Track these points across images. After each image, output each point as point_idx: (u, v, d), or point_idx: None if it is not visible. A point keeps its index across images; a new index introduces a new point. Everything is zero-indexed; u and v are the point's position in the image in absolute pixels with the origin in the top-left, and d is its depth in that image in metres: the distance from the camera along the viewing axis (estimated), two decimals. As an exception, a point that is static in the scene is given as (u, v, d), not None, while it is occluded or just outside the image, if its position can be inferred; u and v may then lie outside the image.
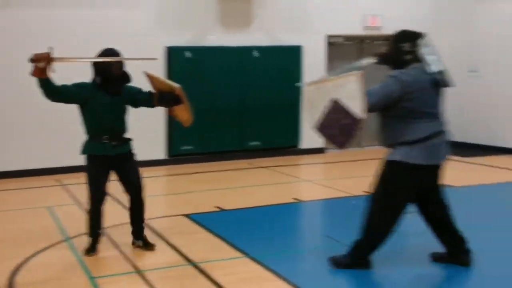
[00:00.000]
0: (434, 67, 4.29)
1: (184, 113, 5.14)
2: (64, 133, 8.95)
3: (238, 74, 10.31)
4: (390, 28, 11.21)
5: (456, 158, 9.93)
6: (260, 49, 10.40)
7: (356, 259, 4.47)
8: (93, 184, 4.99)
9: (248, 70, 10.39)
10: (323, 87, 4.40)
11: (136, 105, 5.12)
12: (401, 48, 4.37)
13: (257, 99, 10.31)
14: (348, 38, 11.22)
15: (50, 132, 9.09)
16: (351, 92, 4.19)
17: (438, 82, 4.30)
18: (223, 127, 10.27)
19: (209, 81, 10.11)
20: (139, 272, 4.58)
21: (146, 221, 5.82)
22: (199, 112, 10.02)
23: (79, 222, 6.04)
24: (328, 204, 7.05)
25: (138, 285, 4.35)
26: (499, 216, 6.23)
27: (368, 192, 6.70)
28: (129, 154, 5.10)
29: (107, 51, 5.01)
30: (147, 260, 4.88)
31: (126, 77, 5.04)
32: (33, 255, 5.02)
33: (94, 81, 4.97)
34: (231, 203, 6.89)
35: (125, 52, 9.46)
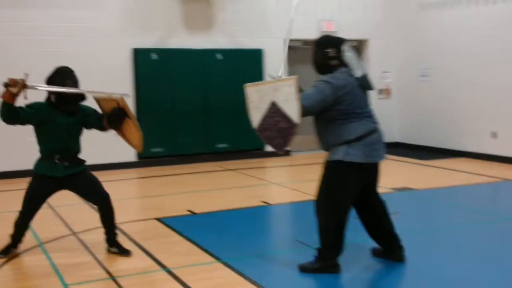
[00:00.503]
0: (358, 72, 4.48)
1: (133, 134, 5.04)
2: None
3: (203, 76, 10.45)
4: (344, 33, 11.63)
5: (414, 161, 10.26)
6: (223, 51, 10.55)
7: (323, 263, 4.63)
8: (30, 201, 5.05)
9: (212, 72, 10.52)
10: (262, 90, 4.54)
11: (88, 126, 5.13)
12: (327, 53, 4.52)
13: (222, 101, 10.47)
14: (306, 42, 11.44)
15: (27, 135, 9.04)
16: (287, 96, 4.35)
17: (363, 85, 4.50)
18: (191, 129, 10.38)
19: (175, 83, 10.22)
20: (112, 278, 4.65)
21: (118, 225, 5.89)
22: (165, 114, 10.21)
23: (52, 226, 6.09)
24: (296, 207, 7.21)
25: (113, 291, 4.43)
26: (442, 218, 6.47)
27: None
28: (82, 172, 5.09)
29: (61, 68, 5.00)
30: (120, 265, 4.95)
31: (81, 96, 5.01)
32: (6, 261, 5.05)
33: (48, 100, 4.97)
34: (201, 206, 7.01)
35: (93, 53, 9.71)
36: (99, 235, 5.48)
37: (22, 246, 5.40)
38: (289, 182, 9.03)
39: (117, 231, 5.32)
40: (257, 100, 4.56)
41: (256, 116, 4.58)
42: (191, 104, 10.36)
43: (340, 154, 4.43)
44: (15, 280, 4.66)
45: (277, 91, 4.43)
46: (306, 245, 5.31)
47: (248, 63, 10.69)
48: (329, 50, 4.52)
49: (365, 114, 4.51)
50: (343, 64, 4.52)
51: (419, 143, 11.64)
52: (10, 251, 5.20)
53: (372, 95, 12.39)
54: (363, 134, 4.43)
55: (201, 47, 10.39)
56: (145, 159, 10.07)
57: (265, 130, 4.57)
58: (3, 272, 4.81)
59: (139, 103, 9.95)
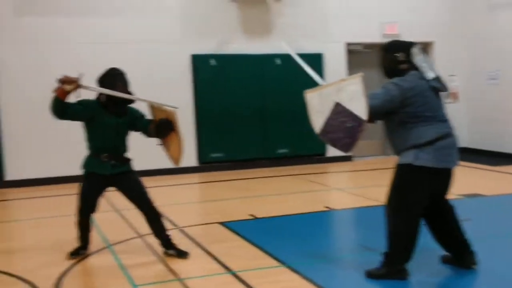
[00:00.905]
0: (430, 74, 4.40)
1: (175, 148, 5.11)
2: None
3: (261, 81, 10.47)
4: (408, 35, 11.43)
5: (484, 167, 9.95)
6: (282, 56, 10.54)
7: (390, 268, 4.54)
8: (83, 199, 5.20)
9: (271, 77, 10.53)
10: (323, 93, 4.52)
11: (135, 129, 5.22)
12: (396, 58, 4.48)
13: (282, 106, 10.45)
14: (367, 46, 11.31)
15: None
16: (353, 94, 4.31)
17: (436, 88, 4.41)
18: (250, 135, 10.42)
19: (234, 88, 10.28)
20: (179, 280, 4.71)
21: (183, 229, 5.98)
22: (224, 119, 10.29)
23: (120, 229, 6.23)
24: (359, 212, 7.12)
25: (181, 293, 4.48)
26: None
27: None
28: (128, 173, 5.20)
29: (112, 70, 5.13)
30: (186, 268, 5.00)
31: (129, 99, 5.11)
32: (77, 262, 5.19)
33: (98, 100, 5.09)
34: (264, 211, 7.01)
35: (153, 60, 9.89)
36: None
37: (91, 248, 5.54)
38: (351, 187, 8.93)
39: (176, 234, 5.39)
40: (319, 104, 4.54)
41: (318, 120, 4.56)
42: (250, 109, 10.41)
43: (410, 157, 4.34)
44: (85, 281, 4.80)
45: (340, 91, 4.41)
46: (371, 250, 5.23)
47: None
48: (398, 55, 4.48)
49: (438, 117, 4.40)
50: (413, 67, 4.45)
51: (488, 148, 11.27)
52: (80, 252, 5.35)
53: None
54: (435, 138, 4.32)
55: (260, 53, 10.43)
56: (205, 164, 10.18)
57: (329, 133, 4.54)
58: (73, 273, 4.94)
59: (198, 109, 10.08)
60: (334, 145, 4.60)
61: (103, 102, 5.05)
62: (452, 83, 11.65)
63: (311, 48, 10.69)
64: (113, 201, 7.76)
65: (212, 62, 10.17)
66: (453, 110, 11.50)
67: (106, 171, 5.09)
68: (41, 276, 4.82)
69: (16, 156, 9.09)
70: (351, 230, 6.61)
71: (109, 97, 5.01)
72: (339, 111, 4.41)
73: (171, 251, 5.26)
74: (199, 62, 10.09)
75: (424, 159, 4.30)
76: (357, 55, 11.30)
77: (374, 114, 4.39)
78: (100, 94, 5.08)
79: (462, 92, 11.67)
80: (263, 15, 10.46)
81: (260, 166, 10.42)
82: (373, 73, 11.55)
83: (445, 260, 4.86)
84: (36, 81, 9.14)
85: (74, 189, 8.63)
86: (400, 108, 4.35)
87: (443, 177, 4.46)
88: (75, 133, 9.18)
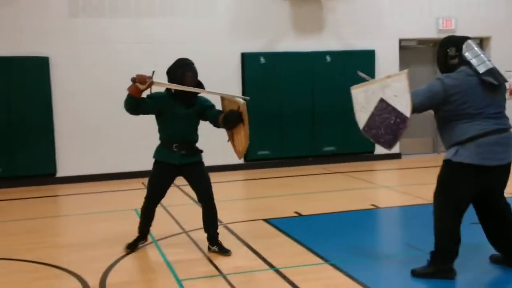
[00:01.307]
0: (481, 68, 4.32)
1: (240, 140, 5.15)
2: (149, 138, 9.35)
3: (311, 79, 10.38)
4: (464, 31, 11.12)
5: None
6: (332, 53, 10.43)
7: (437, 267, 4.44)
8: (152, 187, 5.34)
9: (321, 75, 10.43)
10: (369, 89, 4.53)
11: (204, 118, 5.28)
12: (447, 53, 4.47)
13: (330, 104, 10.34)
14: (421, 41, 11.08)
15: (136, 138, 9.50)
16: (398, 91, 4.34)
17: (488, 82, 4.29)
18: (297, 132, 10.36)
19: (283, 86, 10.24)
20: (223, 275, 4.73)
21: (227, 225, 6.01)
22: (272, 117, 10.27)
23: (165, 224, 6.31)
24: (406, 211, 6.99)
25: (223, 288, 4.50)
26: None
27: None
28: (197, 164, 5.27)
29: (181, 61, 5.23)
30: (230, 263, 5.02)
31: (199, 87, 5.19)
32: (122, 257, 5.28)
33: (169, 91, 5.17)
34: (309, 208, 6.97)
35: (203, 58, 9.91)
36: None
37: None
38: (399, 185, 8.77)
39: (221, 231, 5.42)
40: (364, 100, 4.56)
41: (362, 116, 4.58)
42: (298, 107, 10.35)
43: (450, 153, 4.34)
44: (131, 275, 4.86)
45: (386, 87, 4.43)
46: (418, 249, 5.13)
47: (358, 65, 10.44)
48: (449, 50, 4.46)
49: (484, 114, 4.30)
50: (464, 62, 4.39)
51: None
52: (138, 244, 5.46)
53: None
54: (477, 135, 4.25)
55: (310, 50, 10.35)
56: (252, 162, 10.19)
57: (372, 129, 4.54)
58: (119, 267, 5.03)
59: (247, 107, 10.06)
60: (377, 141, 4.59)
61: (173, 93, 5.14)
62: (509, 79, 11.29)
63: (363, 44, 10.54)
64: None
65: (262, 60, 10.17)
66: (509, 108, 11.21)
67: (176, 161, 5.18)
68: (88, 270, 4.93)
69: (67, 153, 9.32)
70: (397, 229, 6.49)
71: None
72: (383, 108, 4.42)
73: (214, 247, 5.29)
74: (249, 60, 10.11)
75: (463, 155, 4.26)
76: (410, 51, 11.08)
77: (417, 110, 4.39)
78: (179, 79, 5.14)
79: (519, 89, 11.29)
80: (316, 12, 10.38)
81: (307, 164, 10.36)
82: (427, 69, 11.34)
83: (494, 260, 4.73)
84: (86, 80, 9.35)
85: (122, 185, 8.89)
86: (442, 105, 4.33)
87: (491, 174, 4.32)
88: (125, 131, 9.48)
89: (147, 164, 9.41)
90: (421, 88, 4.41)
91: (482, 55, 4.40)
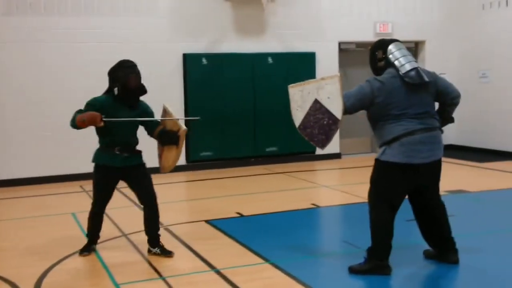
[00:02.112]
0: (403, 68, 4.47)
1: (169, 158, 5.14)
2: (86, 141, 9.18)
3: (253, 80, 10.43)
4: (400, 34, 11.42)
5: (471, 163, 9.98)
6: (274, 55, 10.51)
7: (373, 264, 4.54)
8: (97, 191, 5.25)
9: (263, 76, 10.49)
10: (305, 89, 4.67)
11: (141, 123, 5.21)
12: (376, 56, 4.66)
13: (272, 105, 10.41)
14: (359, 44, 11.32)
15: (73, 140, 9.30)
16: (331, 93, 4.50)
17: (409, 82, 4.42)
18: (239, 133, 10.39)
19: (225, 88, 10.24)
20: (162, 278, 4.68)
21: (168, 227, 5.96)
22: (215, 118, 10.26)
23: (103, 227, 6.17)
24: (346, 209, 7.12)
25: (163, 291, 4.45)
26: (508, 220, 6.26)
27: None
28: (139, 166, 5.21)
29: (124, 63, 5.14)
30: (170, 266, 4.97)
31: (142, 90, 5.12)
32: (59, 261, 5.14)
33: (111, 92, 5.08)
34: (250, 209, 6.99)
35: (145, 58, 9.83)
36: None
37: (73, 247, 5.51)
38: (339, 185, 8.92)
39: (162, 233, 5.37)
40: (300, 99, 4.69)
41: (298, 115, 4.71)
42: (240, 108, 10.37)
43: (379, 153, 4.53)
44: (68, 280, 4.73)
45: (320, 89, 4.57)
46: (356, 247, 5.22)
47: (300, 67, 10.62)
48: (377, 53, 4.66)
49: (409, 114, 4.44)
50: (390, 64, 4.54)
51: (474, 145, 11.30)
52: (91, 248, 5.35)
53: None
54: (400, 135, 4.40)
55: (252, 51, 10.40)
56: (194, 163, 10.14)
57: (307, 128, 4.68)
58: (55, 273, 4.90)
59: (188, 108, 10.03)
60: (311, 140, 4.72)
61: (116, 95, 5.02)
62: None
63: (304, 47, 10.68)
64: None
65: (204, 61, 10.13)
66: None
67: (118, 163, 5.10)
68: (23, 275, 4.78)
69: (5, 155, 9.03)
70: (336, 227, 6.60)
71: (123, 89, 4.99)
72: (317, 108, 4.56)
73: (155, 250, 5.23)
74: (191, 61, 10.05)
75: (389, 154, 4.43)
76: (349, 54, 11.29)
77: (348, 112, 4.55)
78: (113, 87, 5.05)
79: (452, 90, 11.67)
80: (257, 14, 10.42)
81: (249, 165, 10.40)
82: (366, 71, 11.55)
83: (427, 255, 4.87)
84: (28, 80, 9.09)
85: (59, 188, 8.67)
86: (371, 106, 4.50)
87: (418, 172, 4.47)
88: (62, 133, 9.25)
89: (85, 167, 9.30)
90: (352, 90, 4.56)
91: (406, 56, 4.53)
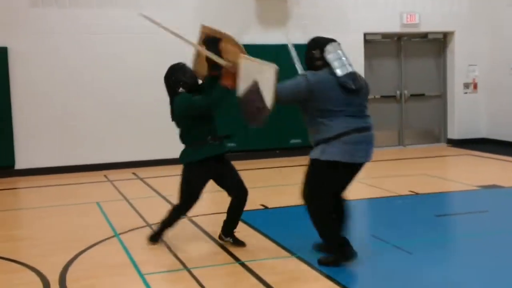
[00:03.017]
0: (339, 71, 4.42)
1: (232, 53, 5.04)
2: (109, 131, 9.22)
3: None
4: (427, 25, 11.18)
5: (504, 157, 9.76)
6: (297, 47, 10.34)
7: (336, 253, 4.54)
8: (195, 190, 5.06)
9: (286, 68, 10.33)
10: (251, 66, 4.62)
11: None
12: (313, 55, 4.60)
13: (297, 96, 10.28)
14: (385, 35, 11.13)
15: (97, 130, 9.33)
16: (266, 81, 4.44)
17: (344, 85, 4.38)
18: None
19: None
20: (187, 269, 4.63)
21: (192, 218, 5.92)
22: (239, 110, 10.15)
23: (127, 217, 6.18)
24: (372, 203, 7.00)
25: (186, 282, 4.38)
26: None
27: (413, 192, 6.66)
28: (226, 153, 5.23)
29: (176, 65, 5.43)
30: (195, 257, 4.92)
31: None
32: (83, 251, 5.13)
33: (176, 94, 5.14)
34: (275, 201, 6.92)
35: (168, 51, 9.78)
36: (174, 226, 5.49)
37: (98, 236, 5.50)
38: (366, 178, 8.75)
39: (186, 224, 5.40)
40: (246, 73, 4.63)
41: (242, 86, 4.63)
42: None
43: (317, 153, 4.43)
44: (92, 269, 4.72)
45: (260, 73, 4.51)
46: (383, 241, 5.13)
47: (323, 58, 10.45)
48: (314, 52, 4.59)
49: (346, 112, 4.39)
50: (327, 64, 4.49)
51: (508, 139, 11.01)
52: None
53: (459, 89, 11.57)
54: (341, 133, 4.34)
55: (276, 43, 10.29)
56: (219, 154, 10.09)
57: (243, 102, 4.63)
58: (80, 261, 4.89)
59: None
60: (243, 114, 4.67)
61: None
62: (472, 73, 11.45)
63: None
64: (121, 190, 7.75)
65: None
66: (472, 101, 11.38)
67: (221, 151, 5.07)
68: (48, 264, 4.77)
69: (26, 145, 9.08)
70: (362, 221, 6.46)
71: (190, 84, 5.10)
72: (255, 90, 4.51)
73: (228, 239, 5.18)
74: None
75: (330, 153, 4.35)
76: (375, 45, 11.12)
77: (280, 102, 4.48)
78: (176, 87, 5.14)
79: (482, 83, 11.43)
80: (280, 5, 10.30)
81: (273, 157, 10.31)
82: (392, 62, 11.40)
83: (315, 247, 4.86)
84: (46, 71, 9.13)
85: (83, 178, 8.70)
86: (306, 101, 4.42)
87: (352, 171, 4.50)
88: (85, 122, 9.28)
89: (109, 156, 9.39)
90: (288, 82, 4.49)
91: (342, 59, 4.50)
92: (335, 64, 4.47)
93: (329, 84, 4.40)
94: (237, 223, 5.23)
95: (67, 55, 9.22)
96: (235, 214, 5.16)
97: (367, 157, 4.45)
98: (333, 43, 4.60)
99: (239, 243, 5.15)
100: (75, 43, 9.24)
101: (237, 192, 5.13)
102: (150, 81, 9.51)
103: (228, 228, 5.21)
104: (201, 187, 5.07)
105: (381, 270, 4.51)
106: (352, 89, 4.38)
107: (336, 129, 4.34)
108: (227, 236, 5.19)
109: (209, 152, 4.98)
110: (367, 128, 4.45)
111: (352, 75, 4.44)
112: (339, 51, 4.56)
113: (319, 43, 4.62)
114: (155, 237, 5.25)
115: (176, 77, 5.17)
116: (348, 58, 4.57)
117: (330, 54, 4.52)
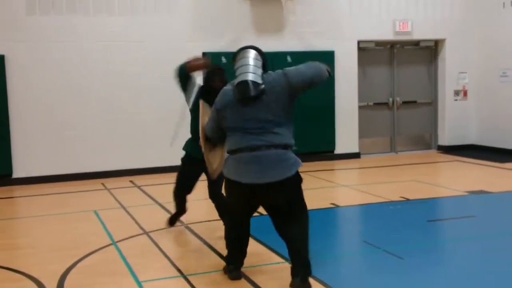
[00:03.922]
0: (235, 80, 4.22)
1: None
2: (108, 139, 9.29)
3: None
4: (419, 33, 11.31)
5: (492, 163, 9.90)
6: (293, 54, 10.51)
7: (226, 266, 4.63)
8: (181, 177, 5.59)
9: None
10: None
11: None
12: (234, 67, 4.33)
13: (292, 104, 10.39)
14: (379, 43, 11.28)
15: (94, 138, 9.40)
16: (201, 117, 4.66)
17: (237, 97, 4.15)
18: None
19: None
20: (184, 276, 4.72)
21: (189, 225, 6.01)
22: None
23: (125, 225, 6.26)
24: (365, 209, 7.11)
25: (184, 289, 4.49)
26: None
27: (404, 198, 6.75)
28: None
29: (215, 68, 5.67)
30: (192, 264, 5.02)
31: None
32: (81, 259, 5.20)
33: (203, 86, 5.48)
34: (269, 208, 6.99)
35: (165, 57, 9.89)
36: (170, 233, 5.60)
37: (95, 244, 5.58)
38: (358, 184, 8.91)
39: (182, 231, 5.61)
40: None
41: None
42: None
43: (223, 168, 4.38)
44: (90, 277, 4.80)
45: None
46: (375, 246, 5.22)
47: (319, 66, 10.56)
48: (234, 64, 4.33)
49: (243, 129, 4.14)
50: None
51: (496, 145, 11.18)
52: (174, 221, 5.96)
53: (449, 96, 11.70)
54: (231, 150, 4.21)
55: (271, 50, 10.39)
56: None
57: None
58: (78, 270, 4.97)
59: (208, 106, 10.06)
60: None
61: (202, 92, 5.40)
62: (462, 81, 11.60)
63: (322, 45, 10.65)
64: (119, 198, 7.83)
65: (223, 59, 10.16)
66: (462, 107, 11.54)
67: (201, 156, 5.16)
68: (46, 272, 4.85)
69: (23, 153, 9.14)
70: (356, 227, 6.58)
71: (207, 88, 5.38)
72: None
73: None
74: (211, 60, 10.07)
75: (225, 169, 4.26)
76: (368, 53, 11.27)
77: (214, 140, 4.49)
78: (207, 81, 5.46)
79: (472, 90, 11.59)
80: (276, 12, 10.43)
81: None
82: (385, 70, 11.54)
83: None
84: (43, 79, 9.19)
85: (81, 186, 8.76)
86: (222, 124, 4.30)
87: (244, 192, 4.18)
88: (83, 131, 9.36)
89: (106, 164, 9.46)
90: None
91: (242, 67, 4.20)
92: (237, 73, 4.21)
93: (229, 99, 4.20)
94: None
95: (65, 63, 9.29)
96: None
97: (262, 178, 4.03)
98: (243, 50, 4.31)
99: None
100: (72, 51, 9.31)
101: (212, 199, 5.53)
102: (148, 89, 9.63)
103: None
104: (187, 177, 5.48)
105: (373, 275, 4.60)
106: (250, 99, 4.09)
107: (230, 146, 4.20)
108: None
109: (191, 151, 5.39)
110: (257, 147, 4.06)
111: (243, 84, 4.12)
112: (244, 58, 4.23)
113: (235, 52, 4.36)
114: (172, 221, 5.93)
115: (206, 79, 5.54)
116: (252, 64, 4.21)
117: (237, 63, 4.26)
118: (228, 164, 4.21)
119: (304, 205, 4.40)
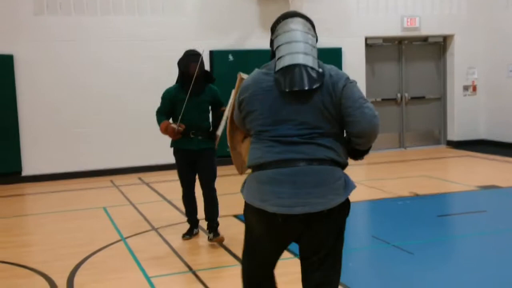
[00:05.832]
0: (281, 62, 2.92)
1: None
2: (118, 136, 9.32)
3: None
4: (427, 29, 11.26)
5: (502, 158, 9.85)
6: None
7: None
8: (180, 173, 5.54)
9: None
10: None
11: (211, 107, 5.54)
12: (272, 46, 3.14)
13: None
14: (386, 39, 11.23)
15: (104, 135, 9.44)
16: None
17: (279, 87, 2.79)
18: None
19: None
20: (192, 271, 4.73)
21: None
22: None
23: (134, 222, 6.28)
24: (374, 205, 7.09)
25: (192, 284, 4.49)
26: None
27: (413, 193, 6.73)
28: (209, 149, 5.41)
29: (186, 52, 5.43)
30: (200, 260, 5.03)
31: (208, 77, 5.42)
32: (90, 255, 5.23)
33: (179, 80, 5.39)
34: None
35: (173, 55, 9.85)
36: (179, 230, 5.60)
37: (104, 241, 5.60)
38: (367, 180, 8.87)
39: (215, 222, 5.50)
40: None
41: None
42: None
43: (243, 187, 2.94)
44: (99, 273, 4.82)
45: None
46: (384, 241, 5.21)
47: (326, 62, 10.51)
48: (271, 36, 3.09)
49: (273, 134, 2.77)
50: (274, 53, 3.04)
51: (506, 140, 11.10)
52: (193, 232, 5.66)
53: (458, 92, 11.71)
54: (258, 164, 2.80)
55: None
56: (221, 158, 10.18)
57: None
58: (87, 266, 5.00)
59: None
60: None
61: (180, 83, 5.37)
62: (471, 76, 11.55)
63: (330, 42, 10.62)
64: (128, 194, 7.85)
65: (230, 57, 10.17)
66: (471, 103, 11.47)
67: (193, 146, 5.34)
68: (56, 269, 4.88)
69: (32, 151, 9.20)
70: (364, 222, 6.57)
71: (182, 76, 5.31)
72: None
73: (211, 235, 5.42)
74: (218, 58, 10.10)
75: (245, 190, 2.89)
76: (376, 49, 11.23)
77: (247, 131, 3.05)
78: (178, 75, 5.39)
79: (482, 85, 11.53)
80: (283, 10, 10.37)
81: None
82: (392, 66, 11.50)
83: None
84: (51, 78, 9.24)
85: (90, 183, 8.80)
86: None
87: (268, 223, 2.81)
88: (92, 128, 9.39)
89: (115, 161, 9.49)
90: None
91: (291, 43, 2.87)
92: (279, 49, 2.90)
93: (258, 87, 2.83)
94: (211, 220, 5.46)
95: (73, 62, 9.33)
96: (206, 208, 5.50)
97: (296, 206, 2.70)
98: (290, 18, 2.98)
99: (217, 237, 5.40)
100: (80, 50, 9.35)
101: (201, 185, 5.50)
102: (155, 86, 9.62)
103: (211, 225, 5.49)
104: (181, 170, 5.49)
105: (383, 270, 4.59)
106: (297, 92, 2.74)
107: (251, 159, 2.84)
108: (211, 232, 5.44)
109: (182, 145, 5.39)
110: (294, 160, 2.72)
111: (293, 69, 2.77)
112: (293, 31, 2.91)
113: (275, 20, 3.04)
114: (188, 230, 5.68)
115: (179, 64, 5.44)
116: (314, 40, 3.01)
117: (279, 35, 2.95)
118: (249, 185, 2.84)
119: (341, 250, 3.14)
